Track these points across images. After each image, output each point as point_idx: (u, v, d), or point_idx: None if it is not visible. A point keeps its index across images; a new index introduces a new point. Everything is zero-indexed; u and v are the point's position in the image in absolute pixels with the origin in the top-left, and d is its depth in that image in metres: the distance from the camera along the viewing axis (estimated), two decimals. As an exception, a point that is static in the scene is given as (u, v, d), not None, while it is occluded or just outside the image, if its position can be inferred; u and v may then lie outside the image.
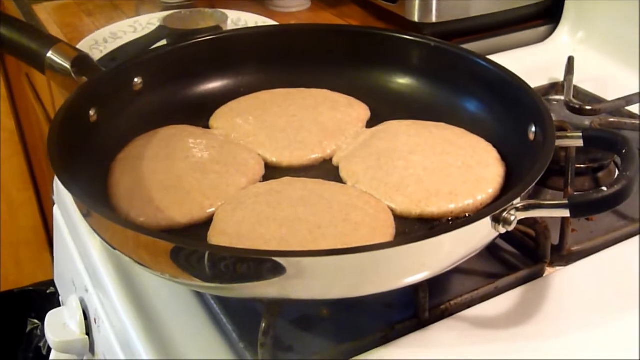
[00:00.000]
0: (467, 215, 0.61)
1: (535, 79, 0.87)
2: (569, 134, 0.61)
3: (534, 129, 0.62)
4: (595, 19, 1.02)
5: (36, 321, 1.33)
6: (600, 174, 0.73)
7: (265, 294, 0.49)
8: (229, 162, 0.66)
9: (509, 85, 0.68)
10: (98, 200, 0.59)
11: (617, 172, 0.73)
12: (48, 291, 1.37)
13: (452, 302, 0.58)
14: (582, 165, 0.71)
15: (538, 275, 0.62)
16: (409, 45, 0.77)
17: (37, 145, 1.68)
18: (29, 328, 1.33)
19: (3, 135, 1.66)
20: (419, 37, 0.77)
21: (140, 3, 1.14)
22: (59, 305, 0.78)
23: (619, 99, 0.81)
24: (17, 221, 1.75)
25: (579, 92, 0.89)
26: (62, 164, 0.54)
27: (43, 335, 1.28)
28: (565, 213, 0.51)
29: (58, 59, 0.68)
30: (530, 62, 0.99)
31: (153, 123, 0.71)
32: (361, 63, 0.79)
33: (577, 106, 0.80)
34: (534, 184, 0.53)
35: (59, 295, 0.90)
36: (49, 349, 0.74)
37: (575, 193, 0.66)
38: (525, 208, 0.51)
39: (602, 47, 1.00)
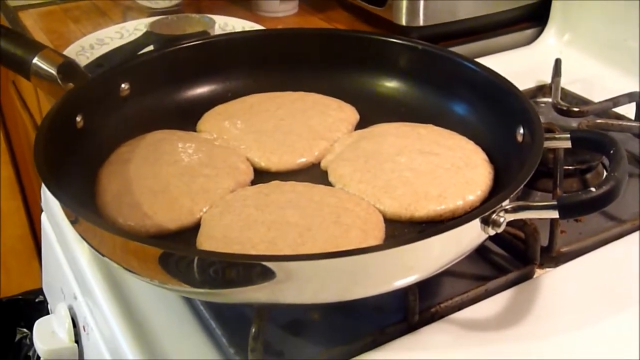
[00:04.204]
0: (456, 217, 0.61)
1: (522, 82, 0.87)
2: (557, 136, 0.62)
3: (522, 130, 0.63)
4: (582, 21, 1.02)
5: (25, 330, 1.32)
6: (588, 175, 0.73)
7: (255, 299, 0.49)
8: (218, 166, 0.66)
9: (496, 88, 0.68)
10: (86, 207, 0.59)
11: (604, 173, 0.74)
12: (37, 300, 1.36)
13: (442, 305, 0.57)
14: (570, 167, 0.71)
15: (528, 277, 0.62)
16: (397, 49, 0.78)
17: (25, 153, 1.67)
18: (17, 337, 1.32)
19: (-10, 144, 1.66)
20: (406, 41, 0.78)
21: (126, 9, 1.14)
22: (48, 314, 0.77)
23: (606, 101, 0.81)
24: (5, 230, 1.74)
25: (566, 94, 0.89)
26: (49, 171, 0.54)
27: (32, 344, 1.26)
28: (554, 214, 0.51)
29: (44, 65, 0.68)
30: (518, 65, 0.99)
31: (140, 128, 0.71)
32: (349, 67, 0.79)
33: (564, 108, 0.80)
34: (522, 186, 0.53)
35: (47, 304, 0.90)
36: (38, 358, 0.74)
37: (564, 194, 0.66)
38: (514, 210, 0.51)
39: (588, 49, 1.01)
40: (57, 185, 0.53)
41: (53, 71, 0.67)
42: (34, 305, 1.35)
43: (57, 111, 0.62)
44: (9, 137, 1.70)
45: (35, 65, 0.68)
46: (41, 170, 0.54)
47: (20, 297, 1.39)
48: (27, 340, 1.31)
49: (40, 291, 1.36)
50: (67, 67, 0.68)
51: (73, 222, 0.54)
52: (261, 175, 0.67)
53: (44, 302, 1.32)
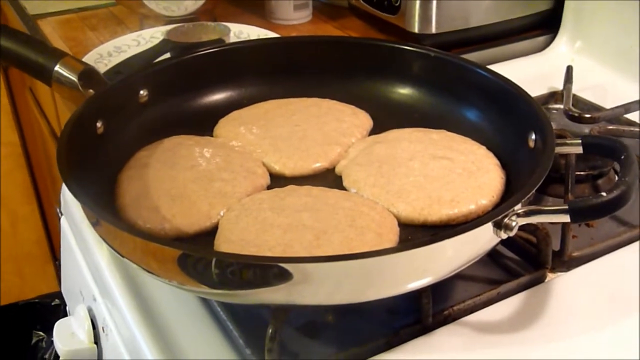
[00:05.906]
0: (468, 221, 0.61)
1: (534, 88, 0.88)
2: (568, 141, 0.62)
3: (533, 136, 0.63)
4: (593, 29, 1.03)
5: (41, 333, 1.34)
6: (600, 181, 0.74)
7: (271, 300, 0.50)
8: (235, 170, 0.67)
9: (508, 94, 0.69)
10: (106, 209, 0.60)
11: (616, 179, 0.74)
12: (53, 303, 1.38)
13: (455, 308, 0.58)
14: (582, 173, 0.72)
15: (539, 281, 0.62)
16: (410, 56, 0.79)
17: (40, 158, 1.69)
18: (34, 340, 1.34)
19: (6, 149, 1.67)
20: (419, 48, 0.79)
21: (143, 17, 1.15)
22: (64, 317, 0.78)
23: (617, 107, 0.82)
24: (21, 234, 1.76)
25: (578, 101, 0.90)
26: (71, 175, 0.55)
27: (48, 347, 1.28)
28: (566, 218, 0.52)
29: (65, 72, 0.69)
30: (530, 72, 1.00)
31: (158, 134, 0.72)
32: (363, 74, 0.80)
33: (576, 114, 0.81)
34: (534, 190, 0.54)
35: (64, 307, 0.91)
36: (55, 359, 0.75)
37: (575, 199, 0.67)
38: (526, 214, 0.52)
39: (600, 56, 1.01)
40: (79, 188, 0.54)
41: (74, 78, 0.69)
42: (50, 309, 1.37)
43: (79, 117, 0.63)
44: (25, 142, 1.72)
45: (57, 72, 0.69)
46: (64, 175, 0.55)
47: (36, 300, 1.41)
48: (43, 343, 1.33)
49: (56, 294, 1.38)
50: (88, 74, 0.69)
51: (94, 224, 0.55)
52: (276, 180, 0.68)
53: (60, 306, 1.34)
